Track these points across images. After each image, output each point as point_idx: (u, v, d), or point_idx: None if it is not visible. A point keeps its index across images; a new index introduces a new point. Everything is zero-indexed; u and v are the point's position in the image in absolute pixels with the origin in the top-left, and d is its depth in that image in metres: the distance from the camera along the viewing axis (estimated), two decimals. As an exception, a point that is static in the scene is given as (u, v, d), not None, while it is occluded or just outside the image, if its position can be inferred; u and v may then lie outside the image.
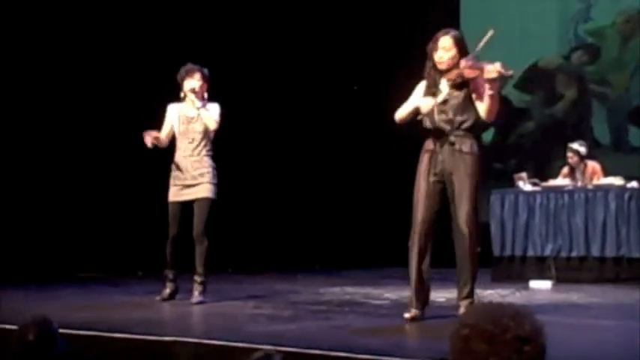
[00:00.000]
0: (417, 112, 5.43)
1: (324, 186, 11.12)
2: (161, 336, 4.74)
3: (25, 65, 9.23)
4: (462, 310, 5.18)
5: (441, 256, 5.50)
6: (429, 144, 5.44)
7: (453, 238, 5.39)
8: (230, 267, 10.04)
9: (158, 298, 6.66)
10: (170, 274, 6.69)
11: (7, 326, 4.87)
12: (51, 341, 3.31)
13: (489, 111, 5.29)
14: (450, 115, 5.36)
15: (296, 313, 6.05)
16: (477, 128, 5.42)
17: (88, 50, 9.62)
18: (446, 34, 5.42)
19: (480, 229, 5.47)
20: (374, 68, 11.35)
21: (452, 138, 5.35)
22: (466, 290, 5.35)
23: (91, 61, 9.63)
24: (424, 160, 5.44)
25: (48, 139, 9.34)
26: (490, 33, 5.29)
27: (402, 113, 5.48)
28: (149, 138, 6.56)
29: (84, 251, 9.38)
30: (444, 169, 5.36)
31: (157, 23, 10.04)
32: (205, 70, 6.70)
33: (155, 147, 6.63)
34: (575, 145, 9.26)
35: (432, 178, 5.39)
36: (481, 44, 5.30)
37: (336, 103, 11.31)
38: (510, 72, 5.24)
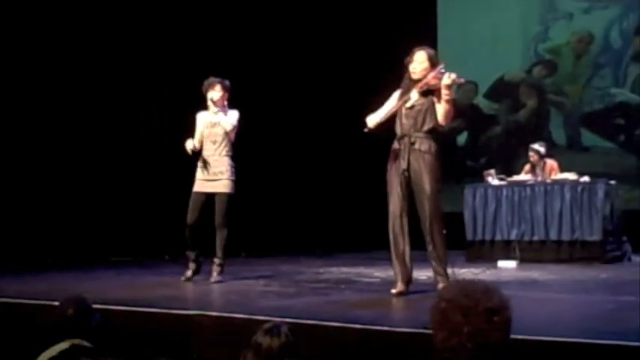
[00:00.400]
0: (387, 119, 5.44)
1: (323, 182, 11.12)
2: (185, 310, 4.74)
3: (73, 58, 9.12)
4: (440, 285, 5.16)
5: (423, 239, 5.47)
6: (395, 144, 5.46)
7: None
8: (243, 251, 10.02)
9: (182, 278, 6.60)
10: (192, 255, 6.62)
11: (52, 302, 4.87)
12: (88, 314, 3.32)
13: (446, 114, 5.32)
14: (414, 119, 5.37)
15: (299, 290, 6.04)
16: (436, 131, 5.41)
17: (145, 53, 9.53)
18: (421, 49, 5.45)
19: (444, 215, 5.42)
20: (363, 78, 11.26)
21: (413, 139, 5.36)
22: (440, 269, 5.35)
23: (141, 60, 9.55)
24: (392, 157, 5.46)
25: (84, 136, 9.29)
26: (442, 65, 5.34)
27: (372, 123, 5.46)
28: (190, 146, 6.59)
29: (119, 238, 9.37)
30: (407, 165, 5.36)
31: (172, 36, 9.96)
32: (226, 82, 6.68)
33: (192, 151, 6.63)
34: (535, 146, 9.26)
35: (399, 173, 5.39)
36: (433, 73, 5.31)
37: (334, 107, 11.26)
38: (462, 79, 5.30)
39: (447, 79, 5.19)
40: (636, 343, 3.32)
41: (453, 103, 5.31)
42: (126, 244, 9.39)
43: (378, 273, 7.18)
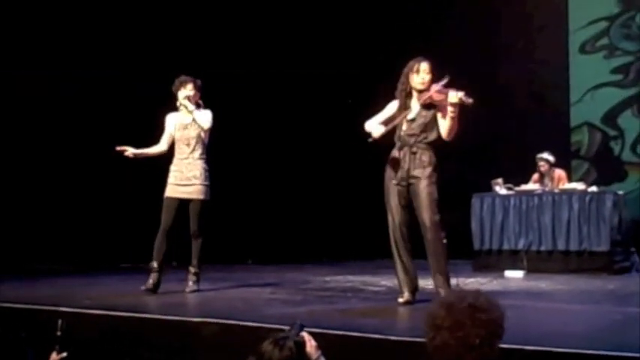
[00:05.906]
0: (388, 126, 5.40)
1: (331, 190, 11.11)
2: (190, 317, 4.74)
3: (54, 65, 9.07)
4: (442, 294, 5.14)
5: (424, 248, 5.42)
6: (394, 152, 5.44)
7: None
8: (250, 259, 10.04)
9: (143, 287, 6.14)
10: (155, 265, 6.29)
11: (58, 308, 4.88)
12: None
13: (449, 131, 5.31)
14: (416, 131, 5.37)
15: (306, 297, 6.04)
16: (437, 144, 5.40)
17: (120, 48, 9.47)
18: (425, 60, 5.40)
19: (444, 224, 5.34)
20: (363, 81, 11.21)
21: (414, 149, 5.36)
22: (441, 277, 5.31)
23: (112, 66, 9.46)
24: (390, 166, 5.44)
25: (90, 141, 9.26)
26: (447, 78, 5.27)
27: (377, 133, 5.38)
28: (128, 153, 6.40)
29: (126, 244, 9.36)
30: (406, 174, 5.35)
31: (155, 36, 9.89)
32: (198, 81, 6.41)
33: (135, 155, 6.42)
34: (545, 155, 9.25)
35: (397, 182, 5.39)
36: (437, 87, 5.28)
37: (343, 113, 11.22)
38: (470, 100, 5.18)
39: (454, 97, 5.15)
40: (644, 355, 3.30)
41: (457, 120, 5.27)
42: (132, 250, 9.38)
43: (384, 281, 7.16)
